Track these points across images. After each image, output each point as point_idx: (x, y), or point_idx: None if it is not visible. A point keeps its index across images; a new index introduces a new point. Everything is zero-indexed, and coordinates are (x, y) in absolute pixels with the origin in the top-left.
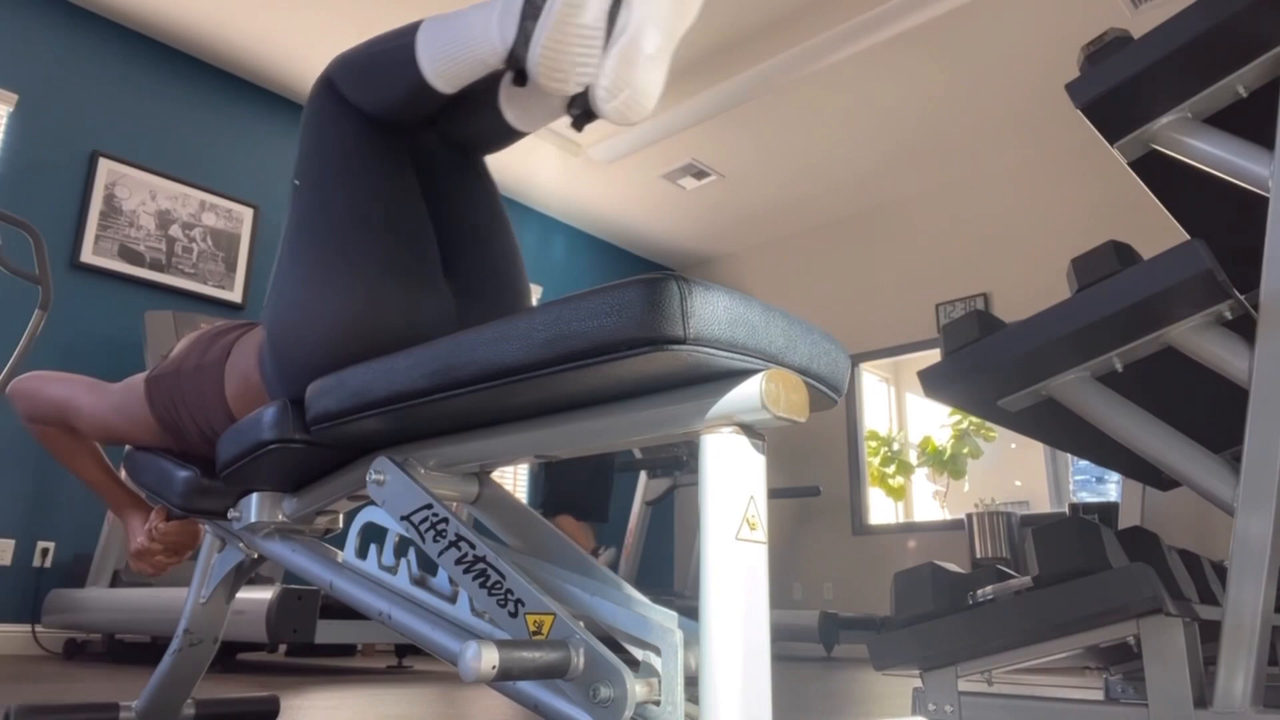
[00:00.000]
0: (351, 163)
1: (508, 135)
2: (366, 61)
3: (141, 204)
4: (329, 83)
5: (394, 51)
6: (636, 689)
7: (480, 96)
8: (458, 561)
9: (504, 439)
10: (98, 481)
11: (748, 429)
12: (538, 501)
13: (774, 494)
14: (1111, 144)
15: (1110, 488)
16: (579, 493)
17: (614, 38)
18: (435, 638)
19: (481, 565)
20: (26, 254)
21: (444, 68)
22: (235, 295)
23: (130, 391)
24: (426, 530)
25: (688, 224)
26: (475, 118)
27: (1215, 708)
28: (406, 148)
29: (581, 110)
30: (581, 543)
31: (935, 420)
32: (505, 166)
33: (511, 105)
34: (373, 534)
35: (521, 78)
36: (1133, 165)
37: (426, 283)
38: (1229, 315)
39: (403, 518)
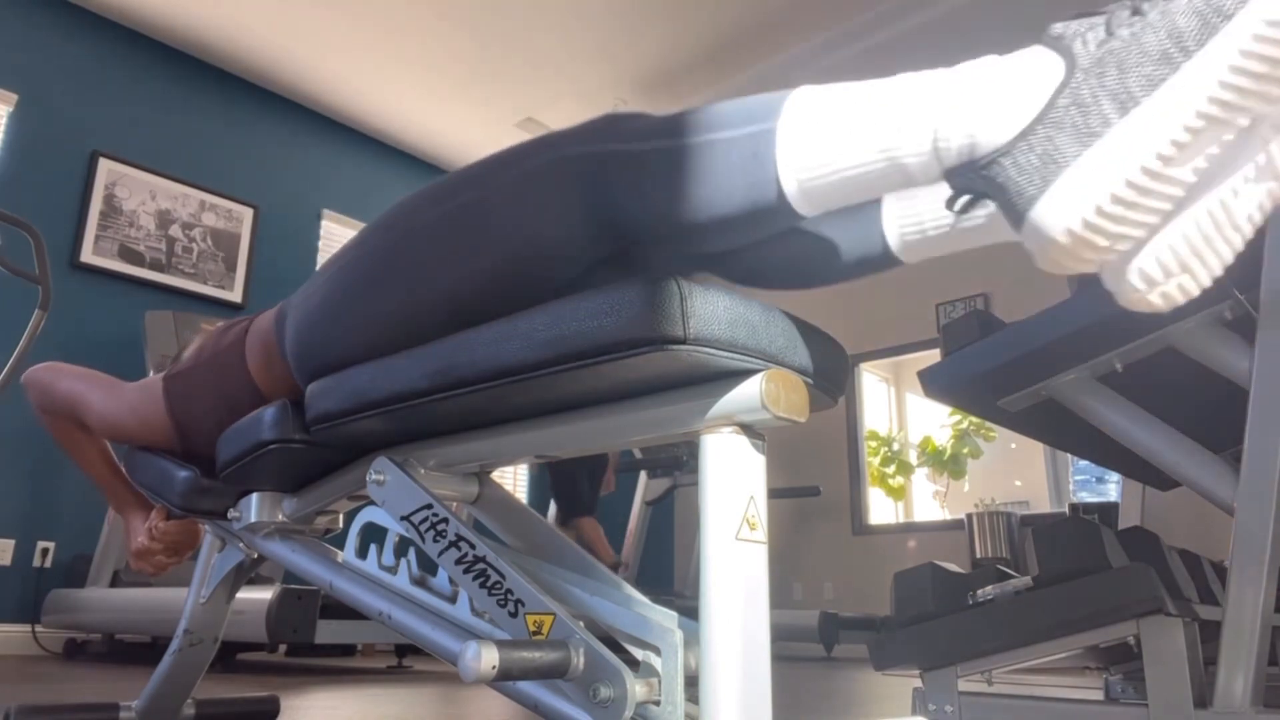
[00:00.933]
0: (519, 254)
1: (847, 271)
2: (674, 155)
3: (141, 204)
4: (588, 159)
5: (739, 143)
6: (636, 689)
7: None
8: (458, 561)
9: (504, 439)
10: (102, 477)
11: (748, 429)
12: (540, 505)
13: (774, 494)
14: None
15: (1110, 488)
16: (589, 493)
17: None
18: (435, 638)
19: (481, 565)
20: (26, 254)
21: (822, 174)
22: (235, 295)
23: (146, 391)
24: (426, 530)
25: None
26: (821, 236)
27: (1215, 708)
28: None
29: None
30: (602, 548)
31: (935, 420)
32: None
33: (908, 225)
34: (373, 534)
35: (969, 200)
36: None
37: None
38: (1229, 315)
39: (403, 518)
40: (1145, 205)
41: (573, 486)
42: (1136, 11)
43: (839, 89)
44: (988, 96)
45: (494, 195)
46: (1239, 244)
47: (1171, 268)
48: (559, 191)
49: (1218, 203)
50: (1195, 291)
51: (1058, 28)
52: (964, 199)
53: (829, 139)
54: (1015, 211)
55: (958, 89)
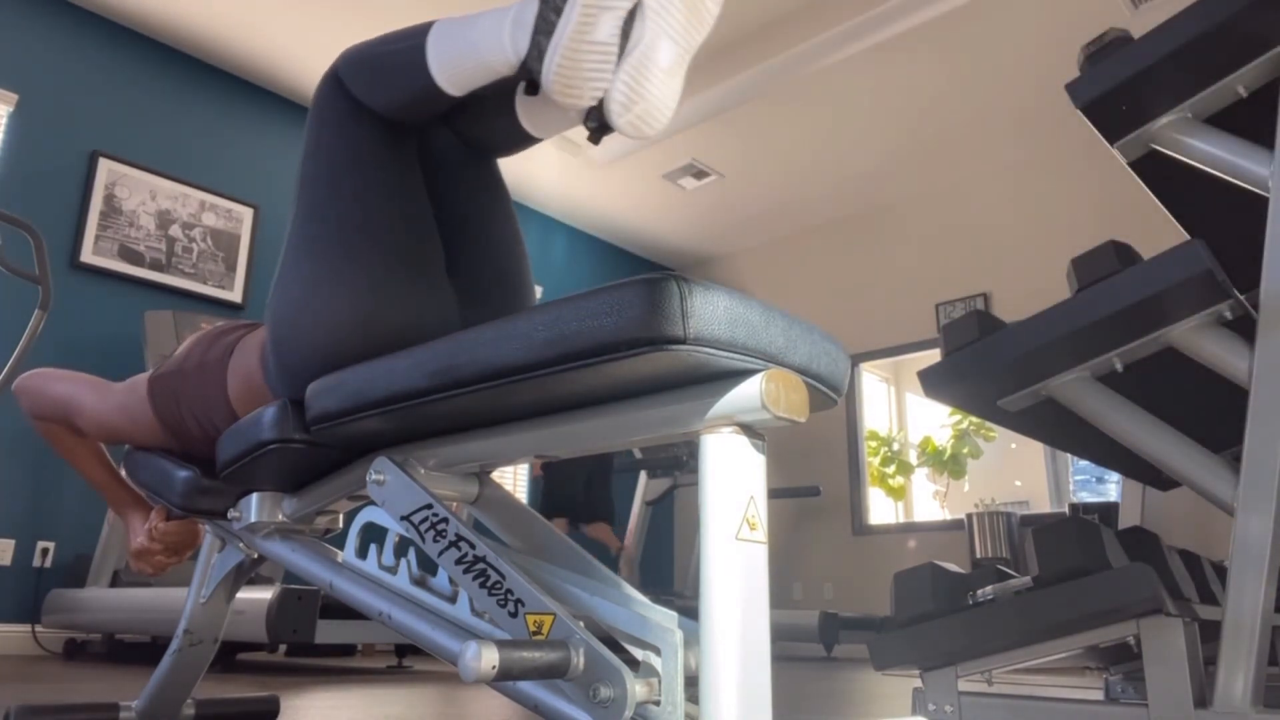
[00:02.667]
0: (358, 160)
1: (523, 140)
2: (376, 60)
3: (141, 204)
4: (336, 79)
5: (405, 52)
6: (636, 689)
7: (497, 100)
8: (458, 561)
9: (504, 439)
10: (100, 480)
11: (748, 429)
12: (546, 508)
13: (774, 494)
14: (1111, 144)
15: (1110, 488)
16: (580, 497)
17: (627, 51)
18: (435, 638)
19: (481, 565)
20: (26, 254)
21: (453, 72)
22: (235, 295)
23: (133, 391)
24: (426, 530)
25: (688, 224)
26: (491, 120)
27: (1215, 708)
28: (414, 146)
29: (598, 123)
30: (615, 543)
31: (935, 420)
32: (505, 166)
33: (528, 112)
34: (373, 534)
35: (533, 87)
36: (1132, 165)
37: (430, 283)
38: (1229, 315)
39: (403, 518)
40: (586, 57)
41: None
42: None
43: (457, 22)
44: (519, 24)
45: (321, 139)
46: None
47: (627, 99)
48: (337, 102)
49: (638, 54)
50: (656, 116)
51: None
52: (528, 84)
53: (451, 52)
54: (539, 77)
55: (507, 24)
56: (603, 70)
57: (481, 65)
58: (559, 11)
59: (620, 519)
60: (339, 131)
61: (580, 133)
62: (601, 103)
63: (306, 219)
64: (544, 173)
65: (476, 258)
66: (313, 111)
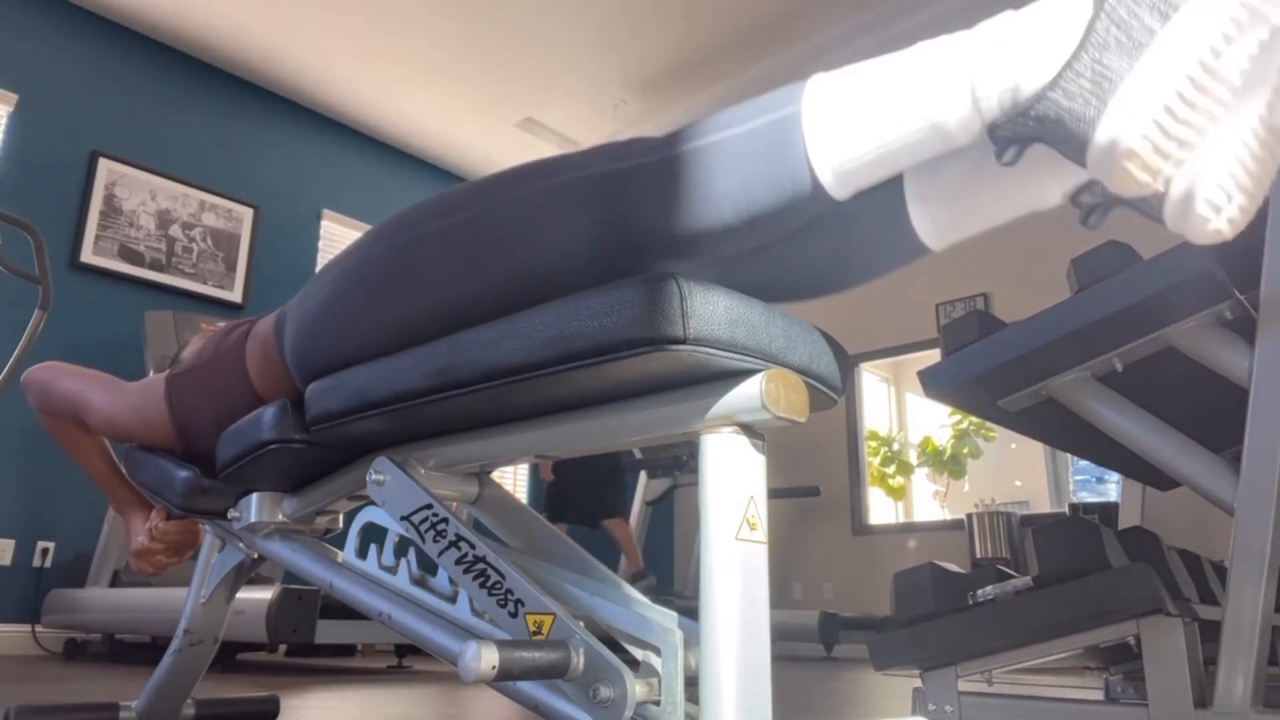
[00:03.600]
0: (535, 271)
1: (890, 261)
2: (718, 157)
3: (141, 204)
4: (607, 176)
5: (763, 132)
6: (636, 689)
7: (875, 195)
8: (458, 561)
9: (504, 439)
10: (102, 477)
11: (748, 429)
12: (544, 507)
13: (774, 494)
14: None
15: (1110, 488)
16: (619, 496)
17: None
18: (435, 638)
19: (481, 565)
20: (26, 254)
21: (857, 151)
22: (235, 295)
23: (148, 391)
24: (426, 530)
25: None
26: (847, 231)
27: (1215, 708)
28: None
29: (1112, 205)
30: (631, 543)
31: (935, 420)
32: (504, 165)
33: (936, 204)
34: (373, 534)
35: (1015, 146)
36: None
37: None
38: (1229, 315)
39: (403, 518)
40: (1205, 101)
41: (603, 489)
42: None
43: (858, 66)
44: (1021, 41)
45: (501, 213)
46: None
47: (1231, 190)
48: (573, 208)
49: (1257, 118)
50: (1252, 211)
51: None
52: (1013, 149)
53: (859, 114)
54: (1076, 140)
55: (986, 42)
56: (1207, 130)
57: (927, 127)
58: (1162, 12)
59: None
60: (553, 232)
61: (579, 132)
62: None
63: (409, 246)
64: None
65: None
66: (505, 182)
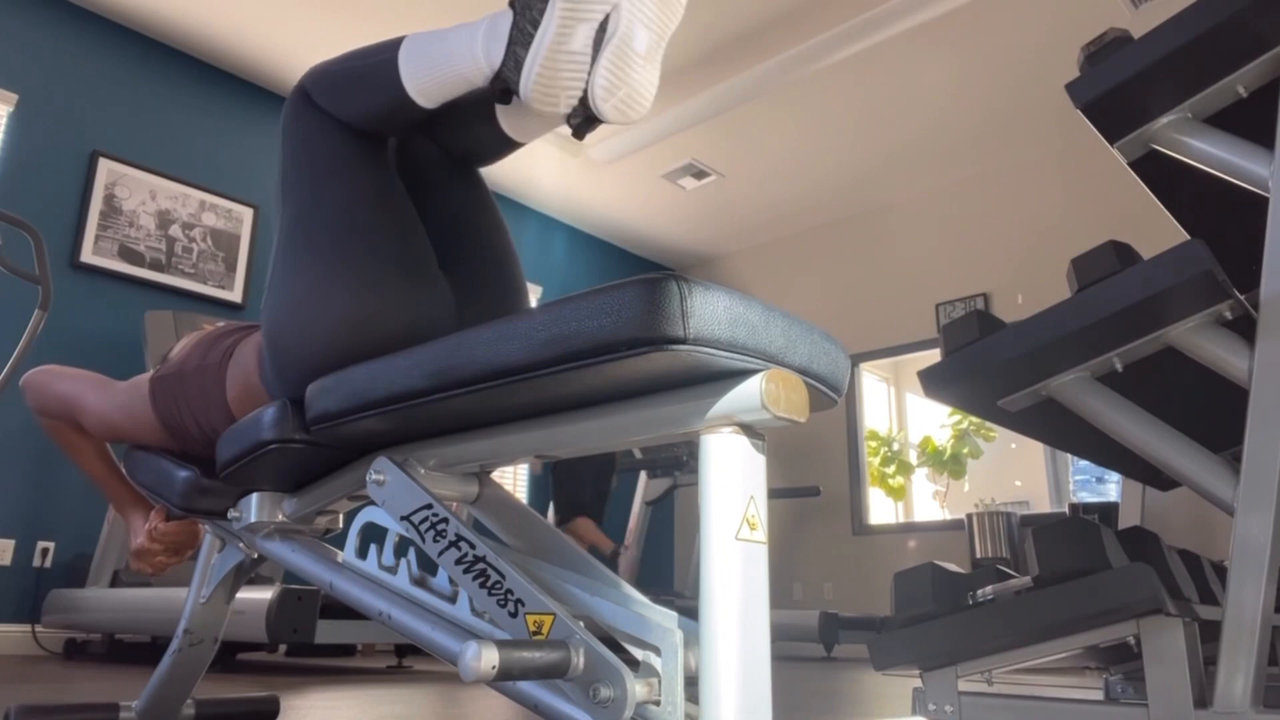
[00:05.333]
0: (336, 166)
1: (505, 146)
2: (346, 74)
3: (141, 204)
4: (304, 94)
5: (376, 67)
6: (636, 689)
7: (476, 108)
8: (458, 561)
9: (504, 439)
10: (102, 478)
11: (748, 429)
12: (541, 505)
13: (774, 494)
14: (1111, 144)
15: (1110, 488)
16: (588, 493)
17: (605, 41)
18: (435, 638)
19: (481, 565)
20: (26, 254)
21: (426, 84)
22: (235, 295)
23: (135, 391)
24: (426, 530)
25: (688, 224)
26: (472, 128)
27: (1215, 708)
28: (388, 154)
29: (581, 118)
30: (601, 542)
31: (935, 420)
32: (505, 166)
33: (508, 118)
34: (373, 534)
35: (506, 95)
36: (1132, 165)
37: (423, 281)
38: (1229, 315)
39: (403, 518)
40: (563, 65)
41: (575, 487)
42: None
43: (431, 35)
44: (492, 37)
45: (297, 153)
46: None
47: (614, 82)
48: (308, 118)
49: (611, 53)
50: (637, 103)
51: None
52: (500, 91)
53: (428, 68)
54: (516, 88)
55: (480, 36)
56: (578, 77)
57: (455, 76)
58: (535, 24)
59: (619, 519)
60: (313, 143)
61: (582, 140)
62: (583, 98)
63: (291, 226)
64: (543, 172)
65: (467, 259)
66: (285, 128)
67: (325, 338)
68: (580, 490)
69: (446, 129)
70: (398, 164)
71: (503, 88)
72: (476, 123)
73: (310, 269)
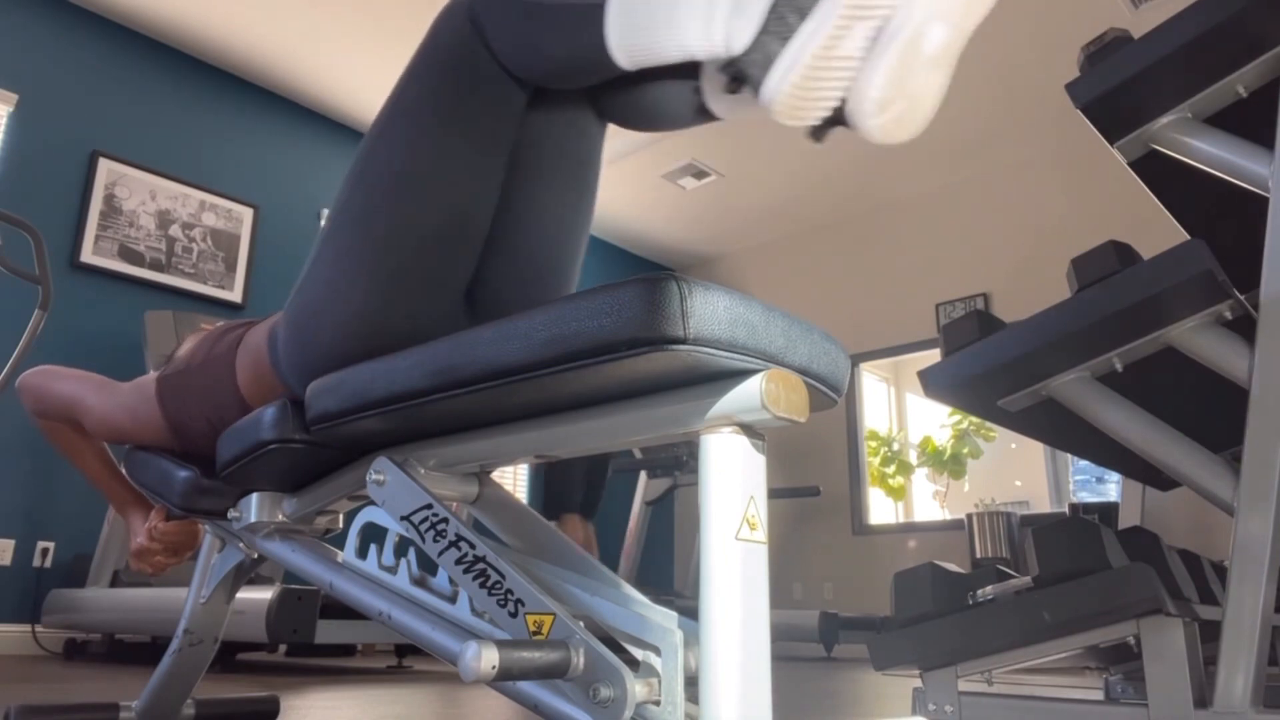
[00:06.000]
0: (442, 122)
1: (696, 117)
2: (535, 5)
3: (141, 204)
4: (469, 16)
5: (576, 5)
6: (636, 689)
7: (675, 65)
8: (458, 561)
9: (504, 439)
10: (101, 479)
11: (748, 429)
12: (539, 503)
13: (774, 494)
14: (1111, 144)
15: (1110, 488)
16: (578, 492)
17: (885, 41)
18: (435, 638)
19: (481, 565)
20: (26, 254)
21: (635, 42)
22: (235, 295)
23: (140, 391)
24: (426, 530)
25: (688, 224)
26: (658, 87)
27: (1215, 708)
28: (514, 127)
29: (828, 122)
30: (589, 545)
31: (935, 420)
32: None
33: (718, 90)
34: (373, 534)
35: (735, 85)
36: (1133, 165)
37: (447, 293)
38: (1229, 315)
39: (403, 518)
40: (827, 73)
41: (565, 485)
42: None
43: None
44: (738, 12)
45: (412, 88)
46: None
47: (892, 94)
48: (456, 44)
49: (895, 56)
50: (919, 116)
51: None
52: (731, 83)
53: (641, 20)
54: (756, 87)
55: (723, 7)
56: (842, 86)
57: (675, 45)
58: (803, 13)
59: (620, 519)
60: (441, 77)
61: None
62: (838, 105)
63: (353, 215)
64: None
65: (512, 268)
66: (423, 52)
67: (344, 334)
68: (569, 488)
69: (622, 79)
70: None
71: (734, 76)
72: (672, 77)
73: (351, 257)
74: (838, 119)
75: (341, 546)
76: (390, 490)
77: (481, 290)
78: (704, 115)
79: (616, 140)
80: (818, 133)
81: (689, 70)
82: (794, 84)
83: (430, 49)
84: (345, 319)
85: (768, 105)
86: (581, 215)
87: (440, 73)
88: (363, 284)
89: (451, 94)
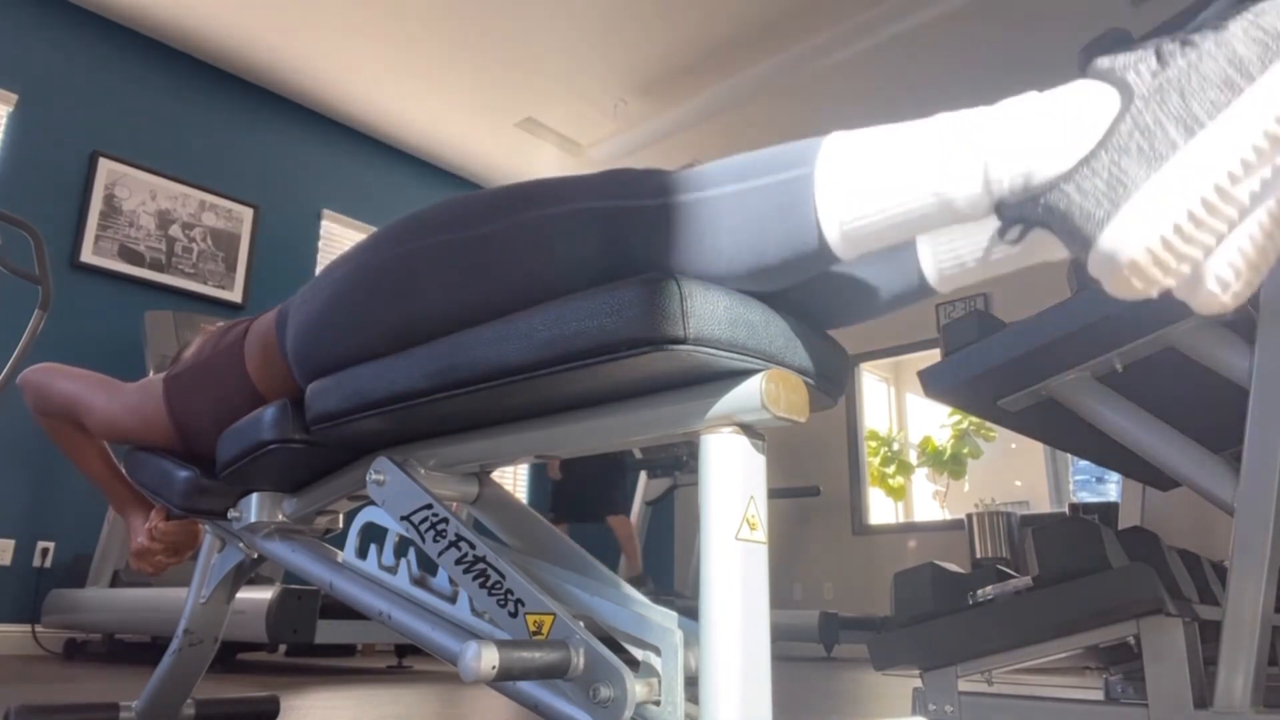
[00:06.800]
0: (552, 282)
1: (901, 302)
2: (735, 205)
3: (141, 204)
4: (607, 213)
5: (778, 189)
6: (636, 689)
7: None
8: (458, 561)
9: (504, 439)
10: (102, 477)
11: (748, 429)
12: (547, 507)
13: (774, 494)
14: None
15: (1110, 488)
16: (619, 490)
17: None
18: (435, 638)
19: (481, 565)
20: (26, 254)
21: (865, 220)
22: (235, 295)
23: (146, 391)
24: (426, 530)
25: None
26: (836, 281)
27: (1215, 708)
28: None
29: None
30: (633, 543)
31: (935, 420)
32: (504, 166)
33: (946, 259)
34: (373, 534)
35: (1012, 232)
36: None
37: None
38: (1229, 315)
39: (403, 518)
40: (1215, 223)
41: (573, 490)
42: (1186, 43)
43: (875, 131)
44: (1043, 127)
45: (509, 234)
46: None
47: (1242, 269)
48: (574, 242)
49: (1266, 213)
50: (1255, 284)
51: (1103, 61)
52: (1017, 229)
53: (872, 182)
54: (1081, 237)
55: (1006, 121)
56: (1215, 243)
57: (937, 202)
58: (1191, 127)
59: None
60: (554, 261)
61: (580, 131)
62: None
63: (421, 249)
64: (543, 172)
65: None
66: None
67: (346, 354)
68: (610, 491)
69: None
70: None
71: (1018, 221)
72: (879, 264)
73: (377, 309)
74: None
75: (341, 546)
76: (390, 490)
77: None
78: (916, 295)
79: (616, 140)
80: (1023, 235)
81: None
82: (1175, 229)
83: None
84: (360, 349)
85: (1109, 262)
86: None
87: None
88: (384, 336)
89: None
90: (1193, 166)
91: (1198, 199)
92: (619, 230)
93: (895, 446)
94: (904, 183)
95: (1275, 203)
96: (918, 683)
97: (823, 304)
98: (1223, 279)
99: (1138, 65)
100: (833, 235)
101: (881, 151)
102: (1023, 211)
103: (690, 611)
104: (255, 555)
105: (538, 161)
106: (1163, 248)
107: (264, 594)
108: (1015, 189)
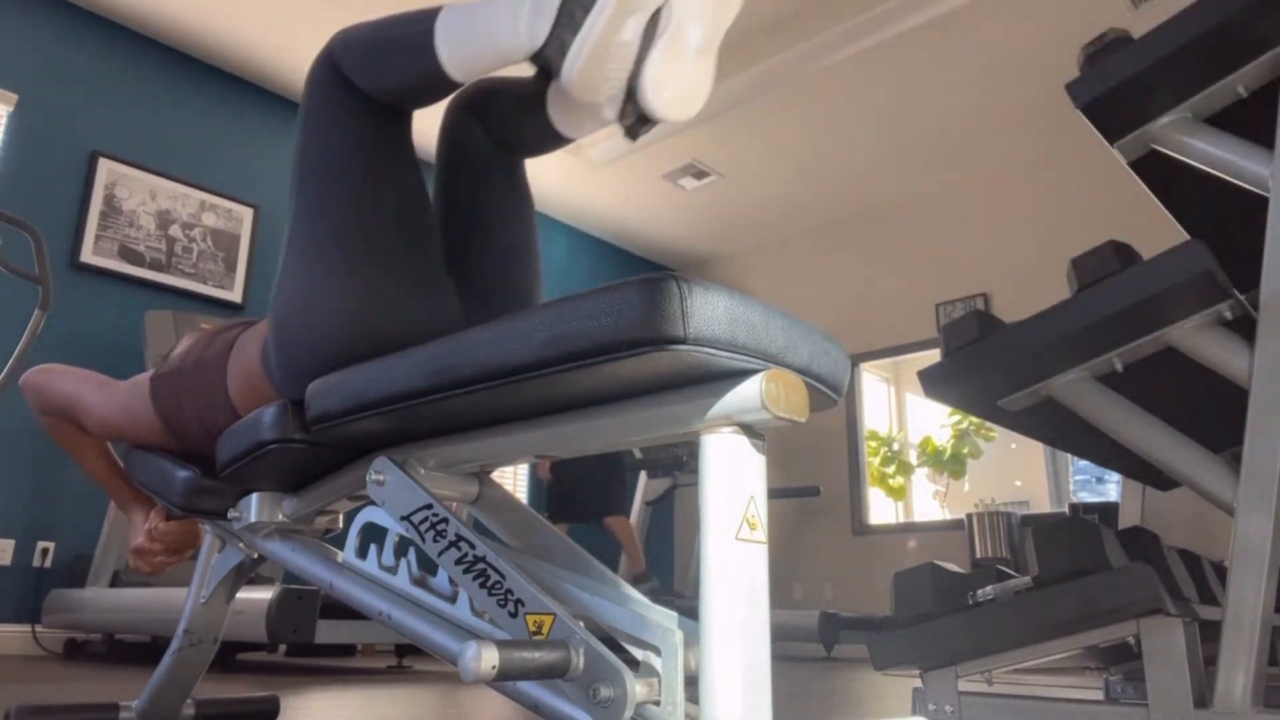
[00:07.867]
0: (355, 155)
1: (553, 140)
2: (378, 42)
3: (141, 204)
4: (332, 63)
5: (411, 36)
6: (636, 689)
7: (525, 98)
8: (458, 561)
9: (504, 439)
10: (104, 476)
11: (748, 429)
12: (539, 505)
13: (774, 494)
14: (1111, 144)
15: (1110, 488)
16: (620, 491)
17: (657, 35)
18: (435, 638)
19: (481, 565)
20: (26, 254)
21: (462, 57)
22: (235, 295)
23: (135, 390)
24: (426, 530)
25: (688, 224)
26: (520, 120)
27: (1215, 708)
28: (409, 138)
29: (634, 117)
30: (634, 542)
31: (935, 420)
32: None
33: (558, 112)
34: (373, 534)
35: (544, 73)
36: (1133, 165)
37: (430, 281)
38: (1229, 315)
39: (403, 518)
40: (610, 57)
41: (569, 490)
42: None
43: (467, 7)
44: (538, 13)
45: (316, 133)
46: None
47: (659, 86)
48: (328, 83)
49: (663, 45)
50: (690, 104)
51: None
52: (539, 70)
53: (462, 36)
54: (558, 72)
55: (525, 11)
56: (624, 68)
57: (493, 51)
58: (586, 9)
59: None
60: (334, 122)
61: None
62: (631, 92)
63: (305, 217)
64: (544, 173)
65: (486, 260)
66: (306, 101)
67: (332, 337)
68: (612, 491)
69: (495, 116)
70: (442, 146)
71: (542, 66)
72: (525, 113)
73: (319, 266)
74: (640, 111)
75: (341, 546)
76: (390, 490)
77: (464, 280)
78: (555, 135)
79: (616, 140)
80: (631, 130)
81: (538, 102)
82: (583, 66)
83: (315, 101)
84: (323, 318)
85: (567, 86)
86: (526, 220)
87: (333, 115)
88: (333, 280)
89: (348, 127)
90: (588, 29)
91: (593, 44)
92: (339, 58)
93: (895, 446)
94: (482, 41)
95: (670, 34)
96: (918, 683)
97: (524, 136)
98: (653, 83)
99: None
100: (447, 64)
101: (470, 18)
102: (539, 60)
103: (690, 611)
104: (255, 555)
105: (538, 161)
106: (584, 70)
107: (264, 594)
108: (533, 48)
